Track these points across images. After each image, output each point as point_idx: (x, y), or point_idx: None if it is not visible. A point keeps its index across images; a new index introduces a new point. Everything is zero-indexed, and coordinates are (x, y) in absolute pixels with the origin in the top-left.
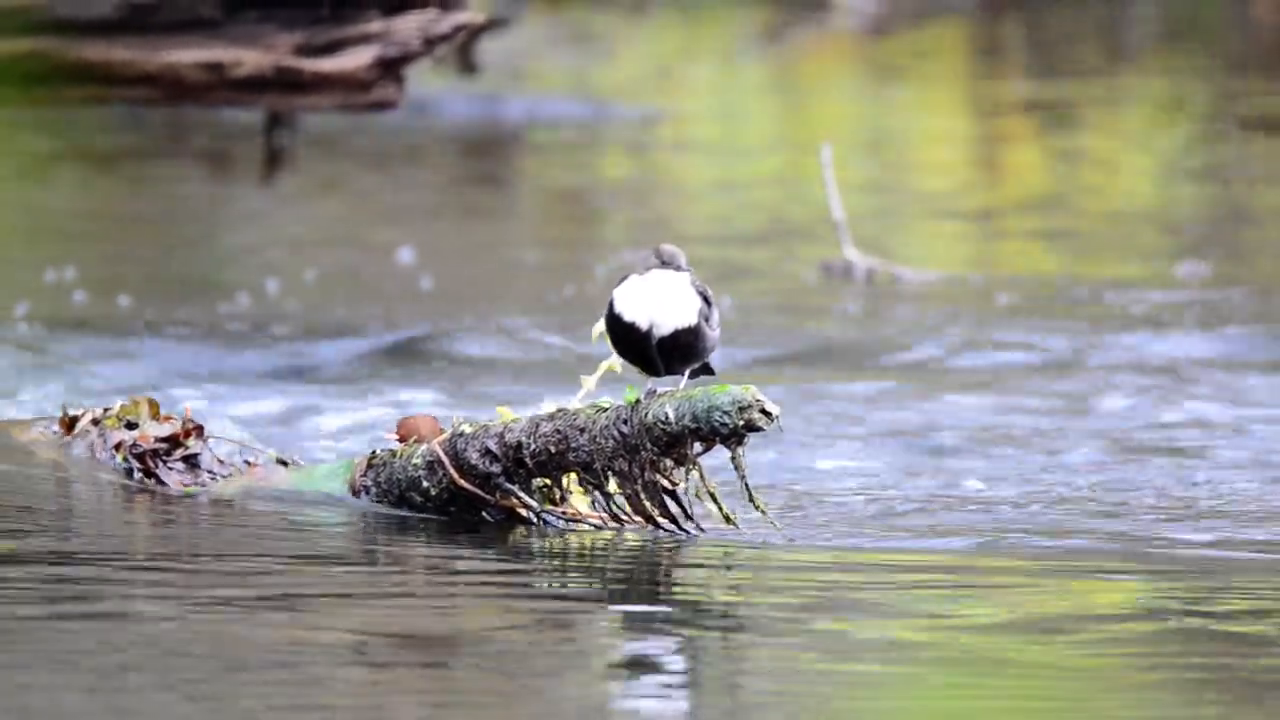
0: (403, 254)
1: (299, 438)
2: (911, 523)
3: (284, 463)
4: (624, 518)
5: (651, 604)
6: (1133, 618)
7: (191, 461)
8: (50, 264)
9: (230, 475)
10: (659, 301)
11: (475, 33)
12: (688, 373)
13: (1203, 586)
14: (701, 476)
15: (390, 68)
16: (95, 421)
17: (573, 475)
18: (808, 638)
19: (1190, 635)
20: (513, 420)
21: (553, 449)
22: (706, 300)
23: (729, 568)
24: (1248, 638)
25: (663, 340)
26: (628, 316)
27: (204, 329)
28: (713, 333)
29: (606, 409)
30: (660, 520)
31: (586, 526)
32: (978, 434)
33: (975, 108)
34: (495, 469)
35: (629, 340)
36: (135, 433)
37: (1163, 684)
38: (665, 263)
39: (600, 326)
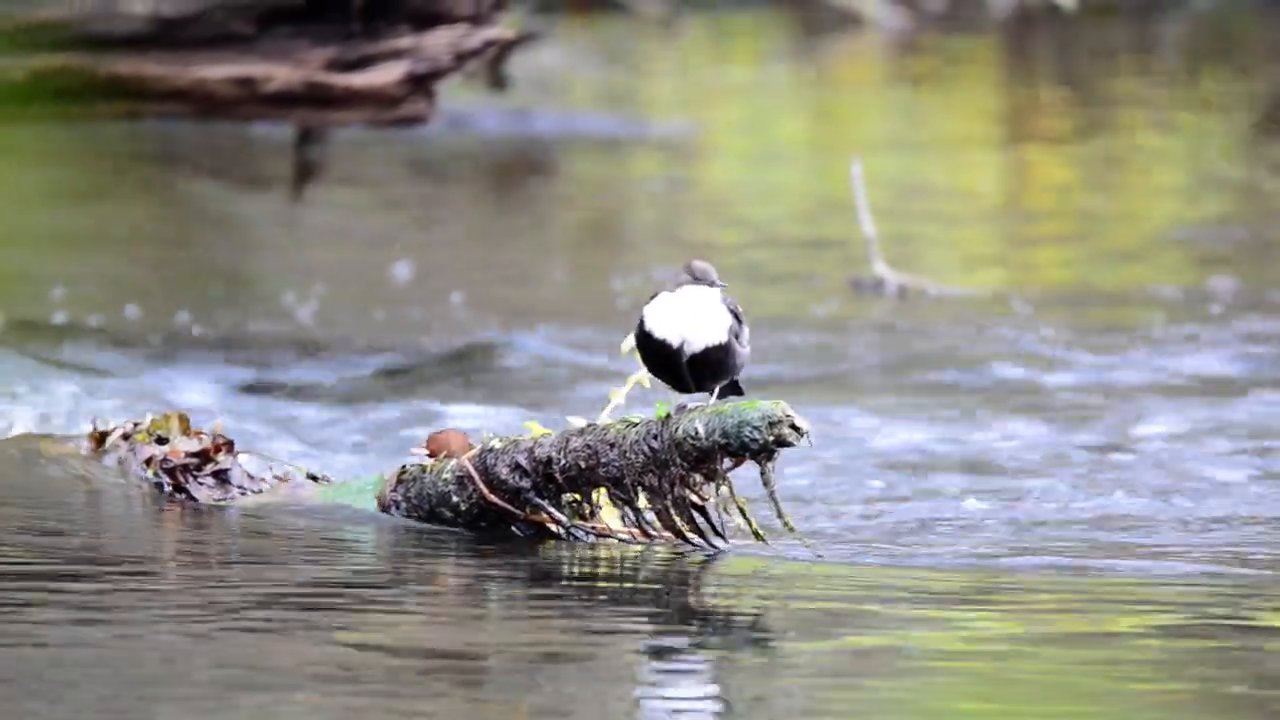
0: (433, 268)
1: (329, 453)
2: (940, 539)
3: (314, 478)
4: (654, 533)
5: (681, 619)
6: (1148, 635)
7: (221, 476)
8: (75, 277)
9: (260, 490)
10: (690, 318)
11: (505, 48)
12: (717, 389)
13: (1214, 604)
14: (731, 492)
15: (420, 83)
16: (126, 436)
17: (603, 490)
18: (836, 653)
19: (1203, 654)
20: (542, 435)
21: (583, 464)
22: (737, 317)
23: (758, 583)
24: (1258, 656)
25: (693, 357)
26: (659, 333)
27: (233, 343)
28: (743, 350)
29: (636, 424)
30: (690, 535)
31: (616, 541)
32: (1007, 453)
33: (1005, 120)
34: (525, 484)
35: (660, 357)
36: (166, 448)
37: (1178, 702)
38: (697, 279)
39: (630, 341)
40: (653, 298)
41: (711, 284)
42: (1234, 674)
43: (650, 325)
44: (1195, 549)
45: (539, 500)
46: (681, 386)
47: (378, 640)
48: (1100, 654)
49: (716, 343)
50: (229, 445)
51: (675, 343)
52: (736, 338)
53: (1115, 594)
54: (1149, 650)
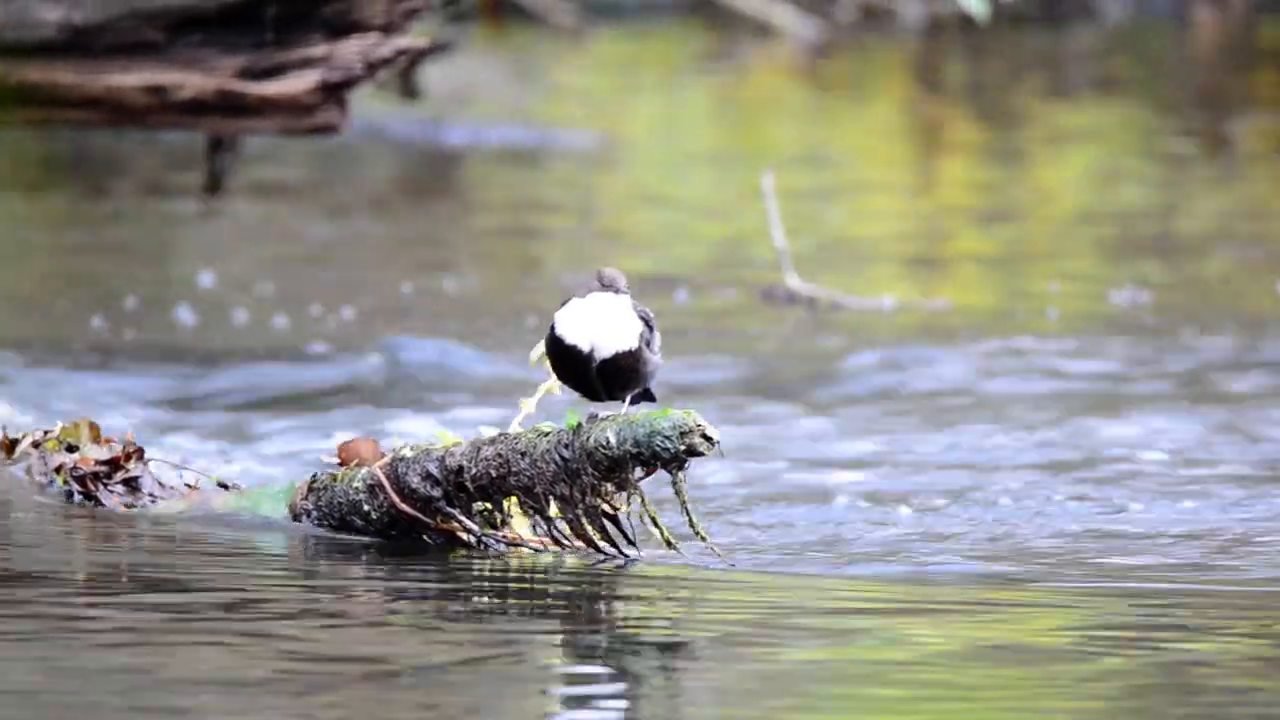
0: (339, 276)
1: (239, 461)
2: (853, 548)
3: (224, 486)
4: (565, 542)
5: (592, 628)
6: (1076, 644)
7: (132, 484)
8: None
9: (171, 498)
10: (600, 325)
11: (417, 57)
12: (629, 398)
13: (1152, 614)
14: (643, 501)
15: (333, 91)
16: (36, 444)
17: (514, 499)
18: (747, 662)
19: (1140, 665)
20: (454, 444)
21: (494, 473)
22: (649, 324)
23: (669, 593)
24: (1201, 666)
25: (603, 364)
26: (569, 339)
27: (142, 351)
28: (654, 357)
29: (548, 433)
30: (601, 545)
31: (528, 550)
32: (920, 460)
33: (917, 130)
34: (436, 493)
35: (570, 363)
36: (75, 455)
37: (1108, 712)
38: (606, 286)
39: (540, 350)
40: (563, 304)
41: (619, 290)
42: (1168, 687)
43: (560, 331)
44: (1128, 559)
45: (450, 509)
46: (592, 394)
47: (289, 648)
48: (1031, 668)
49: (627, 349)
50: (139, 453)
51: (585, 349)
52: (648, 345)
53: (1045, 604)
54: (1079, 664)
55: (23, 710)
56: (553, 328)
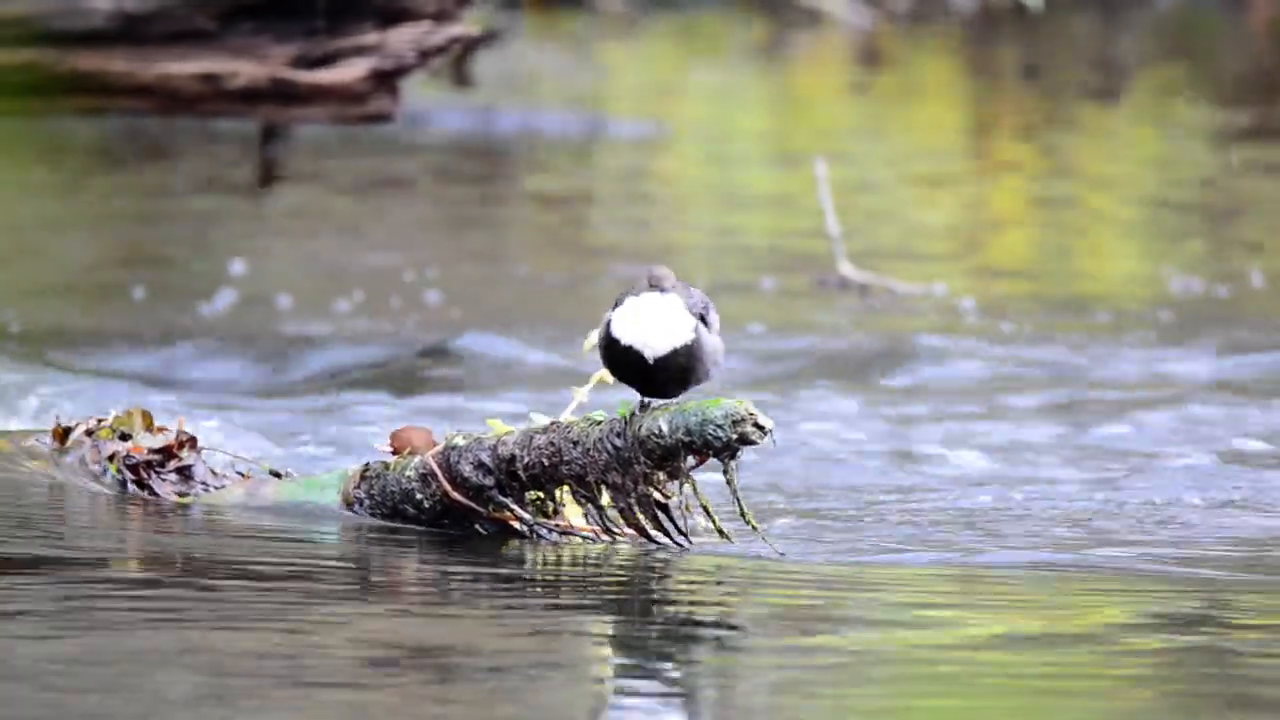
0: (395, 266)
1: (294, 449)
2: (905, 536)
3: (277, 474)
4: (617, 531)
5: (644, 617)
6: (1128, 633)
7: (185, 473)
8: (36, 272)
9: (223, 487)
10: (652, 323)
11: (470, 45)
12: (684, 394)
13: (1197, 603)
14: (695, 490)
15: (385, 80)
16: (89, 433)
17: (566, 488)
18: (800, 652)
19: (1186, 653)
20: (506, 433)
21: (546, 462)
22: (703, 317)
23: (720, 581)
24: (1241, 655)
25: (658, 361)
26: (624, 340)
27: (197, 340)
28: (711, 354)
29: (600, 422)
30: (653, 534)
31: (580, 539)
32: (973, 449)
33: (970, 119)
34: (488, 481)
35: (625, 364)
36: (128, 444)
37: (1158, 702)
38: (653, 286)
39: (592, 339)
40: (617, 304)
41: (664, 290)
42: (1210, 674)
43: (616, 332)
44: (1168, 546)
45: (502, 498)
46: (651, 393)
47: (337, 636)
48: (1079, 654)
49: (682, 346)
50: (192, 441)
51: (640, 349)
52: (703, 342)
53: (1092, 591)
54: (1127, 649)
55: (72, 690)
56: (608, 328)
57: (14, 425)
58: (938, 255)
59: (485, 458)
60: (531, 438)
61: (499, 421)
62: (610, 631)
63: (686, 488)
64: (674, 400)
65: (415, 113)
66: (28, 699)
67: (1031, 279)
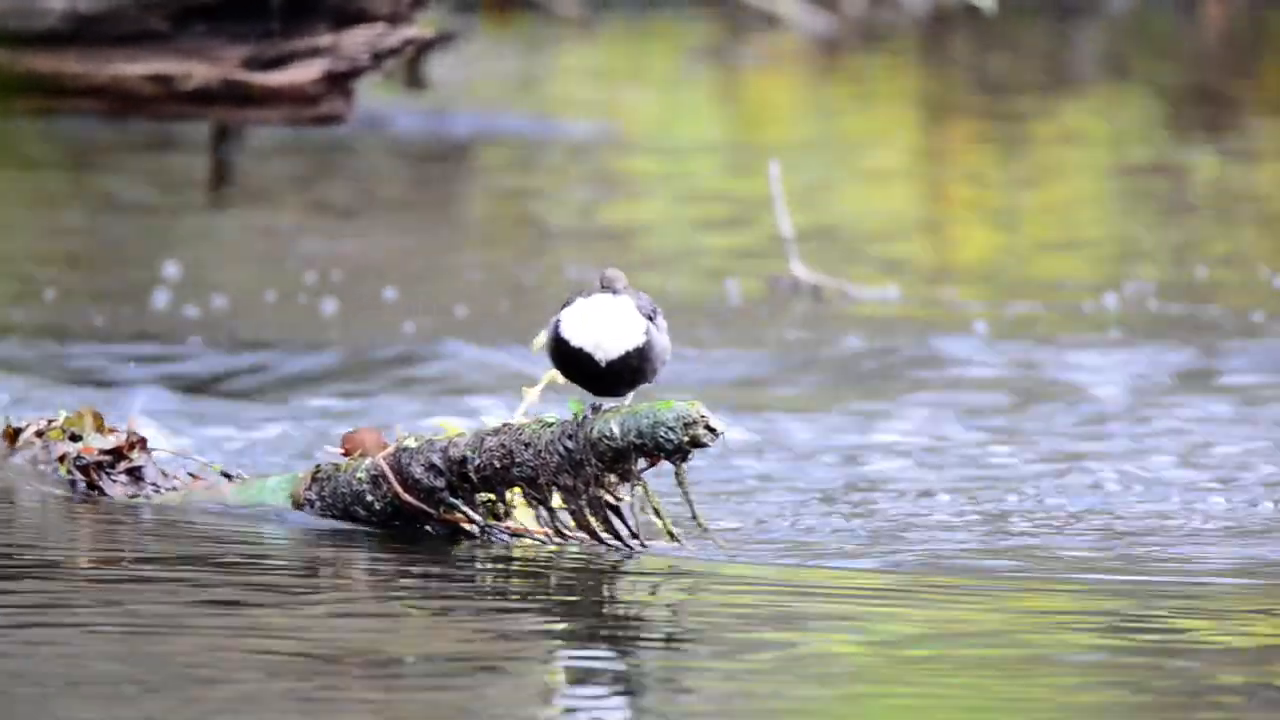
0: (347, 268)
1: (243, 451)
2: (854, 539)
3: (228, 475)
4: (568, 533)
5: (594, 619)
6: (1075, 634)
7: (135, 474)
8: None
9: (174, 488)
10: (604, 326)
11: (423, 48)
12: (632, 395)
13: (1144, 604)
14: (646, 492)
15: (338, 82)
16: (39, 434)
17: (517, 490)
18: (749, 654)
19: (1132, 653)
20: (457, 434)
21: (497, 464)
22: (652, 318)
23: (671, 583)
24: (1186, 655)
25: (610, 364)
26: (574, 341)
27: (149, 341)
28: (660, 355)
29: (552, 424)
30: (604, 536)
31: (531, 541)
32: (925, 450)
33: (924, 123)
34: (439, 483)
35: (575, 365)
36: (79, 445)
37: (1105, 701)
38: (606, 287)
39: (541, 338)
40: (566, 304)
41: (616, 291)
42: (1152, 680)
43: (566, 333)
44: (1116, 548)
45: (453, 500)
46: (599, 392)
47: (287, 637)
48: (1027, 654)
49: (632, 348)
50: (143, 442)
51: (590, 349)
52: (652, 343)
53: (1040, 593)
54: (1073, 649)
55: (20, 693)
56: (557, 329)
57: None
58: (891, 257)
59: (437, 459)
60: (483, 440)
61: (451, 423)
62: (559, 632)
63: (638, 489)
64: (625, 401)
65: (369, 115)
66: None
67: (986, 280)
